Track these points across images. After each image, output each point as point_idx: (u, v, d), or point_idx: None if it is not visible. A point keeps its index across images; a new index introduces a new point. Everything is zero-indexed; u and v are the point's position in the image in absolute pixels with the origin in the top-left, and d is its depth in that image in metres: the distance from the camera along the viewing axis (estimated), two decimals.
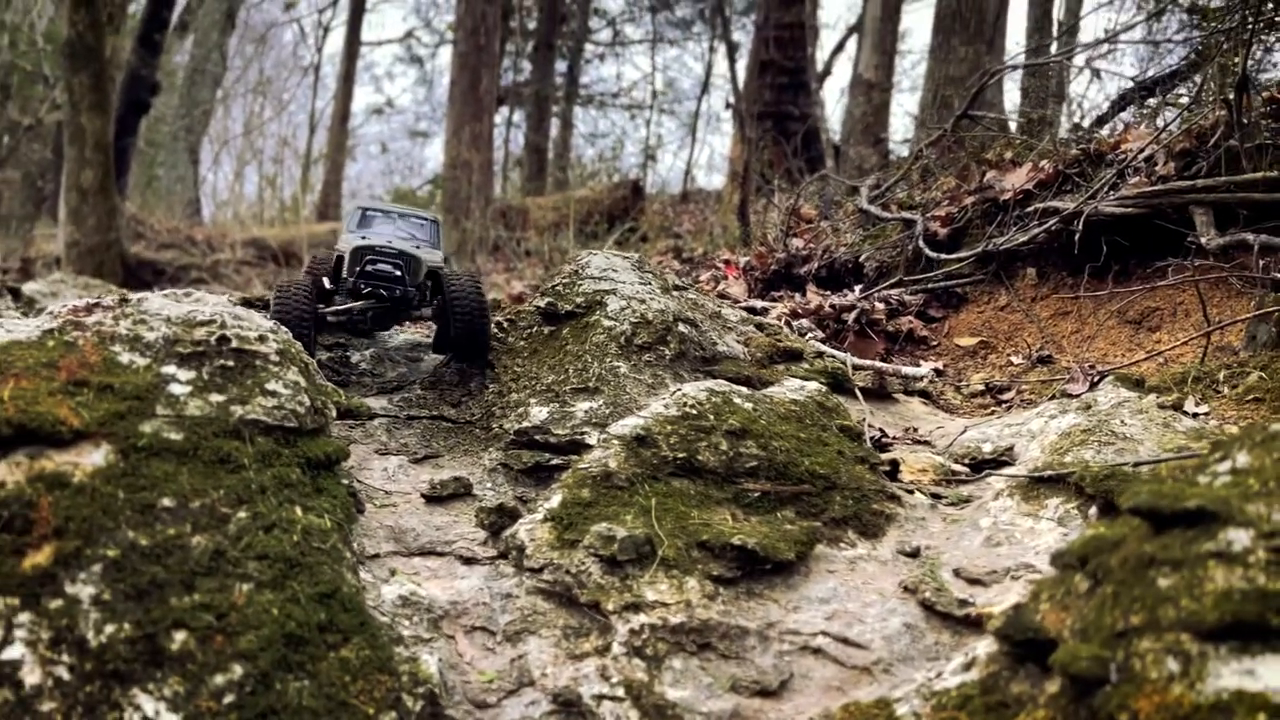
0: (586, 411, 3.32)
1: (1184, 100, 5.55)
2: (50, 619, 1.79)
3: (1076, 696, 1.68)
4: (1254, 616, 1.50)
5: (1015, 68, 9.88)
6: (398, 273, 3.40)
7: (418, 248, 3.57)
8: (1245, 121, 4.66)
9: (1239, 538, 1.65)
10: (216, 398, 2.28)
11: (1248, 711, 1.42)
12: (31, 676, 1.71)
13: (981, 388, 4.74)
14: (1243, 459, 1.96)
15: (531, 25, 27.36)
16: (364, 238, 3.55)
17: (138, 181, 26.94)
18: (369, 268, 3.38)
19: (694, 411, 3.04)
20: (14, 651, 1.72)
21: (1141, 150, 5.24)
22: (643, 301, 3.69)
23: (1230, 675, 1.48)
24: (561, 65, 28.39)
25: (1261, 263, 4.23)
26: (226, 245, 18.16)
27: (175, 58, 29.61)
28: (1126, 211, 5.05)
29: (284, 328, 2.77)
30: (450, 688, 2.21)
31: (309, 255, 4.38)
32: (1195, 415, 3.51)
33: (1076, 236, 5.09)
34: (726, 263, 7.05)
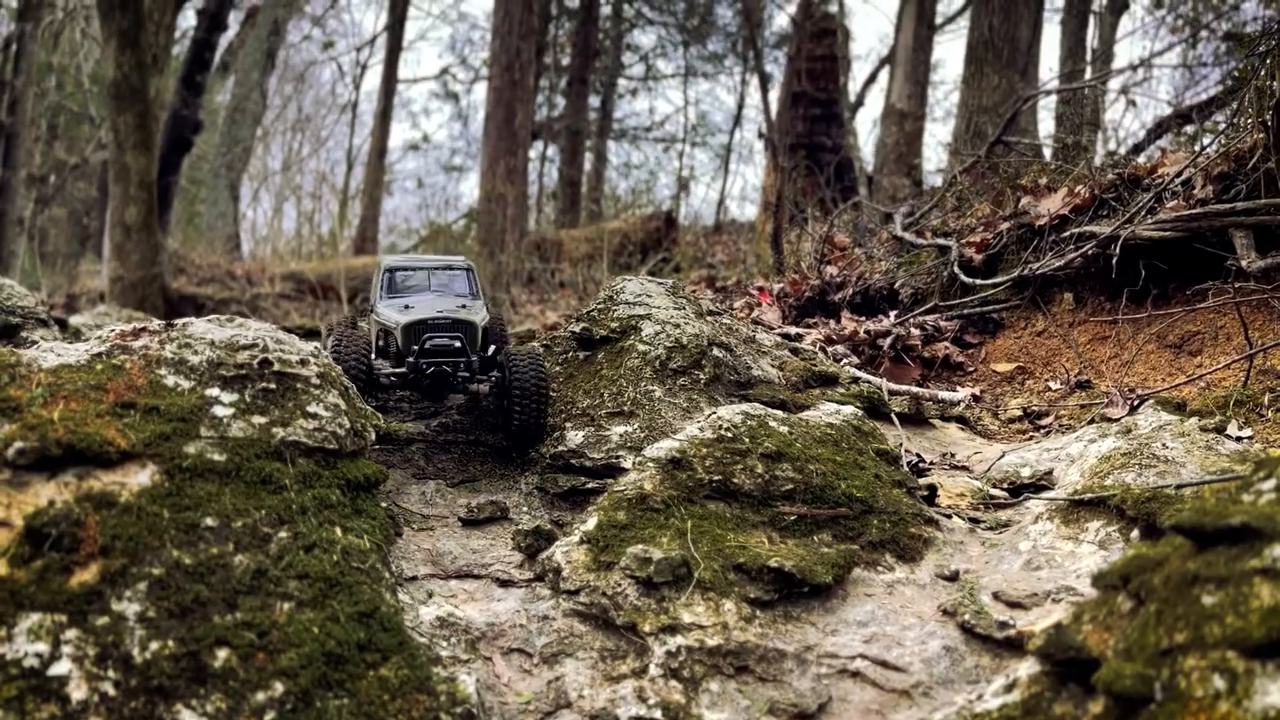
0: (622, 435, 3.33)
1: (1221, 125, 5.51)
2: (96, 636, 1.82)
3: (1121, 715, 1.65)
4: None
5: (1050, 92, 9.85)
6: (457, 344, 3.20)
7: (464, 307, 3.38)
8: None
9: None
10: (259, 420, 2.32)
11: None
12: (78, 692, 1.74)
13: (1019, 413, 4.70)
14: None
15: (565, 61, 27.72)
16: (407, 306, 3.36)
17: (180, 218, 27.49)
18: (427, 344, 3.17)
19: (729, 434, 3.04)
20: (61, 667, 1.75)
21: (1179, 173, 5.20)
22: (677, 326, 3.71)
23: (1277, 692, 1.45)
24: (595, 100, 28.73)
25: None
26: (265, 279, 18.44)
27: (217, 97, 30.27)
28: (1164, 235, 5.01)
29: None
30: (488, 708, 2.21)
31: (349, 307, 4.20)
32: (1239, 439, 3.46)
33: (1114, 261, 5.05)
34: (760, 290, 7.06)
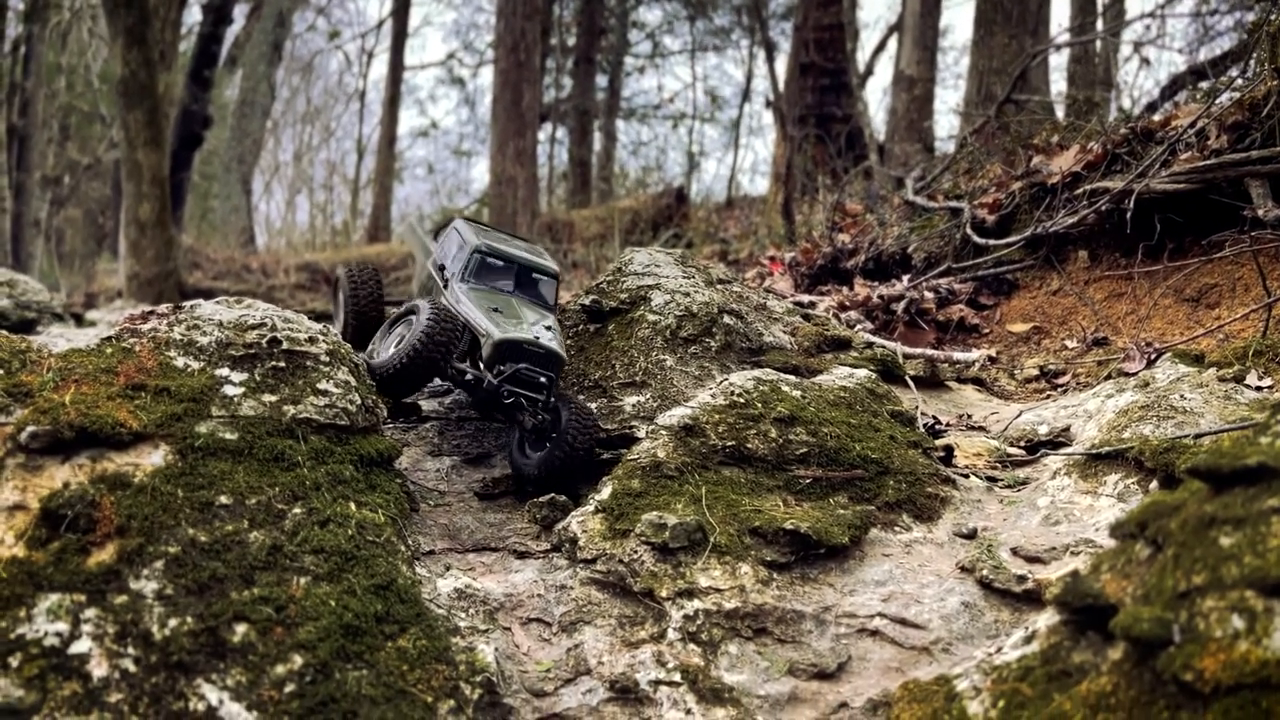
0: (634, 405, 3.32)
1: (1236, 79, 5.42)
2: (116, 614, 1.83)
3: (1139, 660, 1.64)
4: None
5: (1059, 46, 9.72)
6: (543, 380, 2.97)
7: (550, 329, 3.12)
8: None
9: None
10: (269, 398, 2.32)
11: None
12: (99, 669, 1.75)
13: (1036, 372, 4.67)
14: None
15: (571, 41, 27.59)
16: (495, 310, 3.10)
17: (193, 213, 27.61)
18: (519, 373, 2.94)
19: (741, 400, 3.03)
20: (82, 645, 1.77)
21: (1193, 124, 5.13)
22: (687, 295, 3.69)
23: None
24: (602, 79, 28.58)
25: None
26: (280, 271, 18.53)
27: (226, 92, 30.29)
28: (1179, 188, 4.94)
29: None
30: (508, 677, 2.22)
31: (343, 273, 3.89)
32: (1259, 388, 3.42)
33: (1128, 215, 5.00)
34: (772, 259, 7.03)
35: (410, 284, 4.07)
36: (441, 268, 3.37)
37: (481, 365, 2.98)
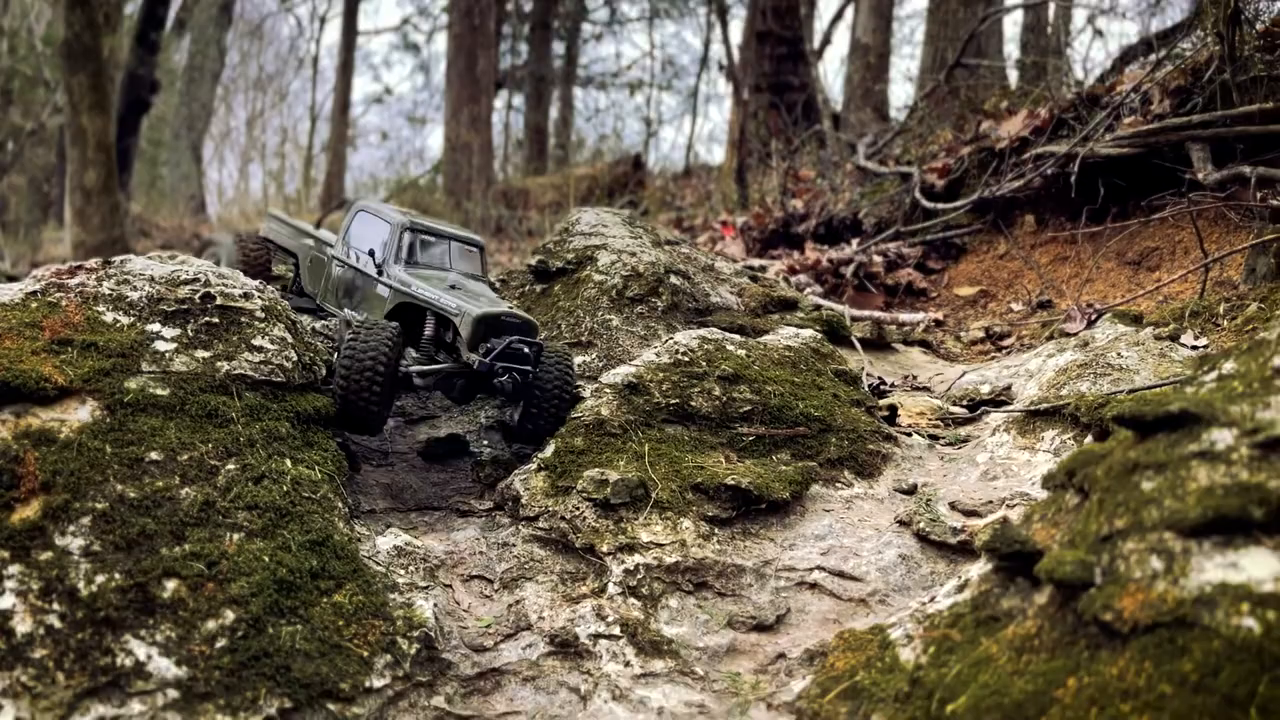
0: (580, 365, 3.31)
1: (1182, 47, 5.48)
2: (40, 570, 1.80)
3: (1063, 602, 1.67)
4: (1236, 510, 1.49)
5: (1010, 9, 9.74)
6: (529, 351, 2.84)
7: (502, 297, 2.96)
8: (1239, 55, 4.60)
9: (1222, 437, 1.63)
10: (202, 354, 2.28)
11: (1231, 602, 1.41)
12: (23, 625, 1.72)
13: (981, 334, 4.72)
14: (1229, 366, 1.94)
15: (527, 7, 27.24)
16: (453, 288, 2.96)
17: (142, 181, 27.00)
18: (512, 347, 2.79)
19: (686, 359, 3.03)
20: (5, 602, 1.73)
21: (1137, 86, 5.18)
22: (634, 255, 3.68)
23: (1213, 569, 1.47)
24: (559, 46, 28.25)
25: (1259, 195, 4.19)
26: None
27: (174, 56, 29.59)
28: (1123, 152, 5.00)
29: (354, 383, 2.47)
30: (447, 633, 2.22)
31: (237, 237, 3.60)
32: (1194, 348, 3.48)
33: (1073, 179, 5.05)
34: (724, 224, 7.02)
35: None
36: (371, 253, 3.12)
37: (463, 348, 2.82)
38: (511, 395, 2.83)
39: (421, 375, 2.77)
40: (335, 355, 2.64)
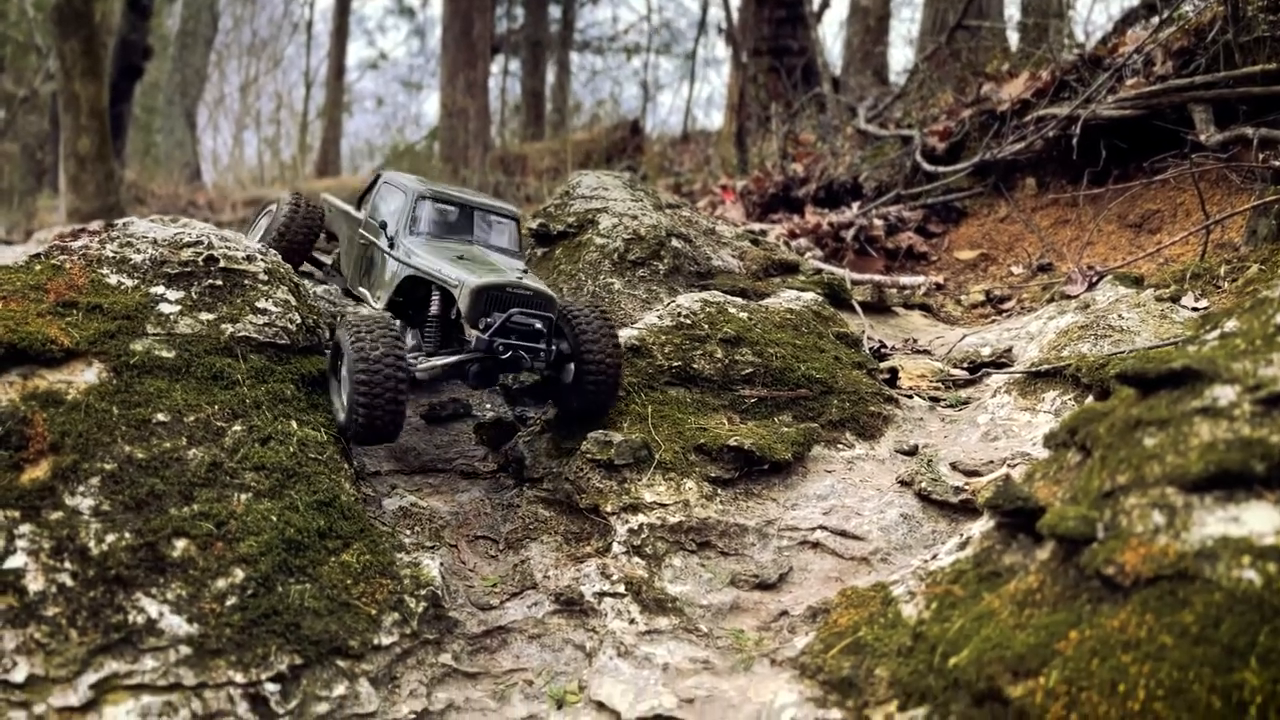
0: None
1: (1188, 11, 5.44)
2: (51, 530, 1.81)
3: (1065, 557, 1.69)
4: (1238, 465, 1.50)
5: None
6: (538, 325, 2.52)
7: (526, 272, 2.67)
8: (1242, 15, 4.58)
9: (1224, 393, 1.64)
10: (207, 316, 2.29)
11: (1232, 556, 1.42)
12: (35, 584, 1.74)
13: (981, 298, 4.72)
14: (1231, 324, 1.95)
15: None
16: (461, 258, 2.67)
17: (136, 148, 26.84)
18: (513, 321, 2.48)
19: (688, 322, 3.04)
20: (16, 561, 1.75)
21: (1139, 47, 5.15)
22: (635, 218, 3.68)
23: (1215, 523, 1.48)
24: (555, 10, 27.99)
25: (1261, 156, 4.18)
26: (227, 206, 18.13)
27: (166, 21, 29.30)
28: (1125, 114, 4.98)
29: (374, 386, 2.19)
30: (453, 592, 2.24)
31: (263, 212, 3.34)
32: (1194, 309, 3.49)
33: (1074, 142, 5.03)
34: (724, 188, 7.00)
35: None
36: (383, 225, 2.88)
37: (463, 324, 2.54)
38: (533, 392, 2.54)
39: (426, 371, 2.50)
40: (333, 355, 2.41)
